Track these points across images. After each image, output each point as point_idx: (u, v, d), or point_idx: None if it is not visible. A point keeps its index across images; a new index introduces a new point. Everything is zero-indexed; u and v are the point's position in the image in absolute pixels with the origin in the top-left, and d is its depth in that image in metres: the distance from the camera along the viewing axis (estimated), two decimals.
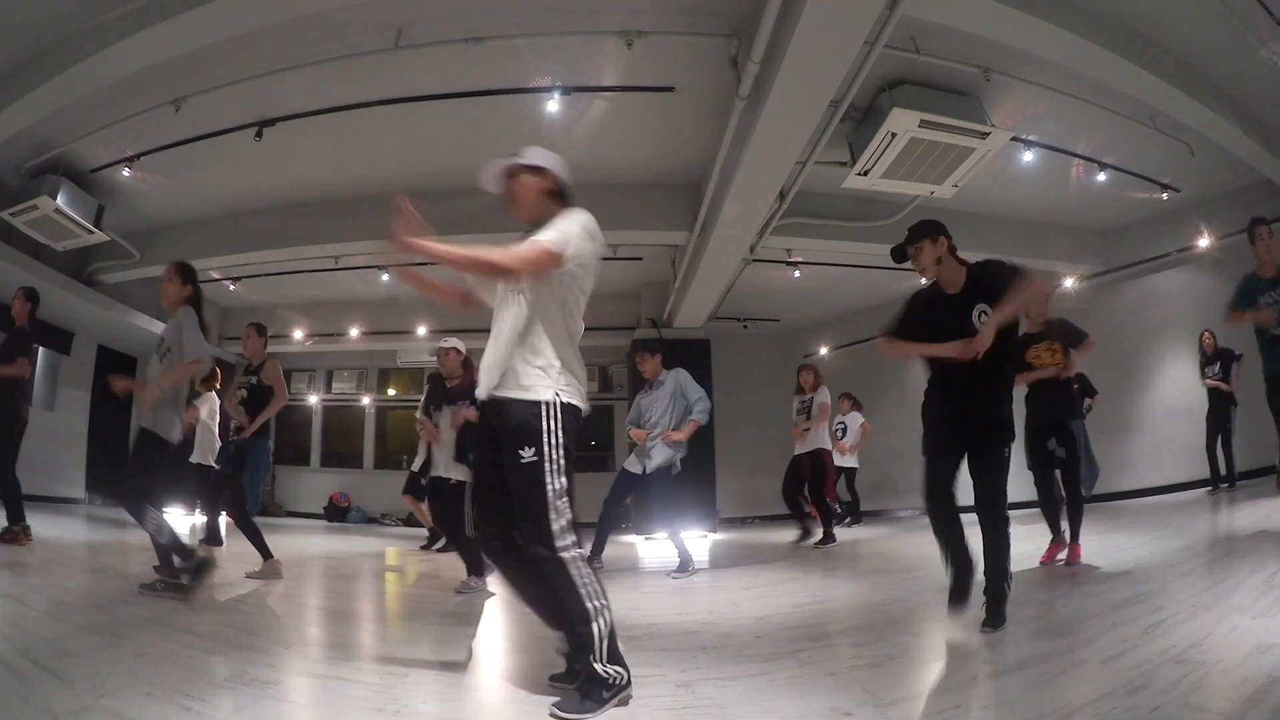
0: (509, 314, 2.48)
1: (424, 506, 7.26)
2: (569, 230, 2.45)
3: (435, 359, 5.33)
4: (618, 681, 2.33)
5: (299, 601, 4.40)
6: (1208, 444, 7.54)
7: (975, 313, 3.17)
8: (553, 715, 2.22)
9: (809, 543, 7.22)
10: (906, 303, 3.51)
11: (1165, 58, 5.73)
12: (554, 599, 2.42)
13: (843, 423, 9.26)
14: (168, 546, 3.89)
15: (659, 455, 5.56)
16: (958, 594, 3.20)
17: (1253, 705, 2.05)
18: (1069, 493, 4.87)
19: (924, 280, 3.44)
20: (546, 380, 2.44)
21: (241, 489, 5.20)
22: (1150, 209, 8.54)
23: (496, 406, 2.44)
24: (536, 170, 2.60)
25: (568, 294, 2.51)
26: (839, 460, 9.08)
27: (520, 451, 2.36)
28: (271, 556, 5.01)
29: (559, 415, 2.42)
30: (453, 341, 5.19)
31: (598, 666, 2.32)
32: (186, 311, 4.27)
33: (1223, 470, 7.46)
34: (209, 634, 3.27)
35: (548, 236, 2.42)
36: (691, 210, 7.47)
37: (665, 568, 5.72)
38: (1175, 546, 4.89)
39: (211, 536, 5.99)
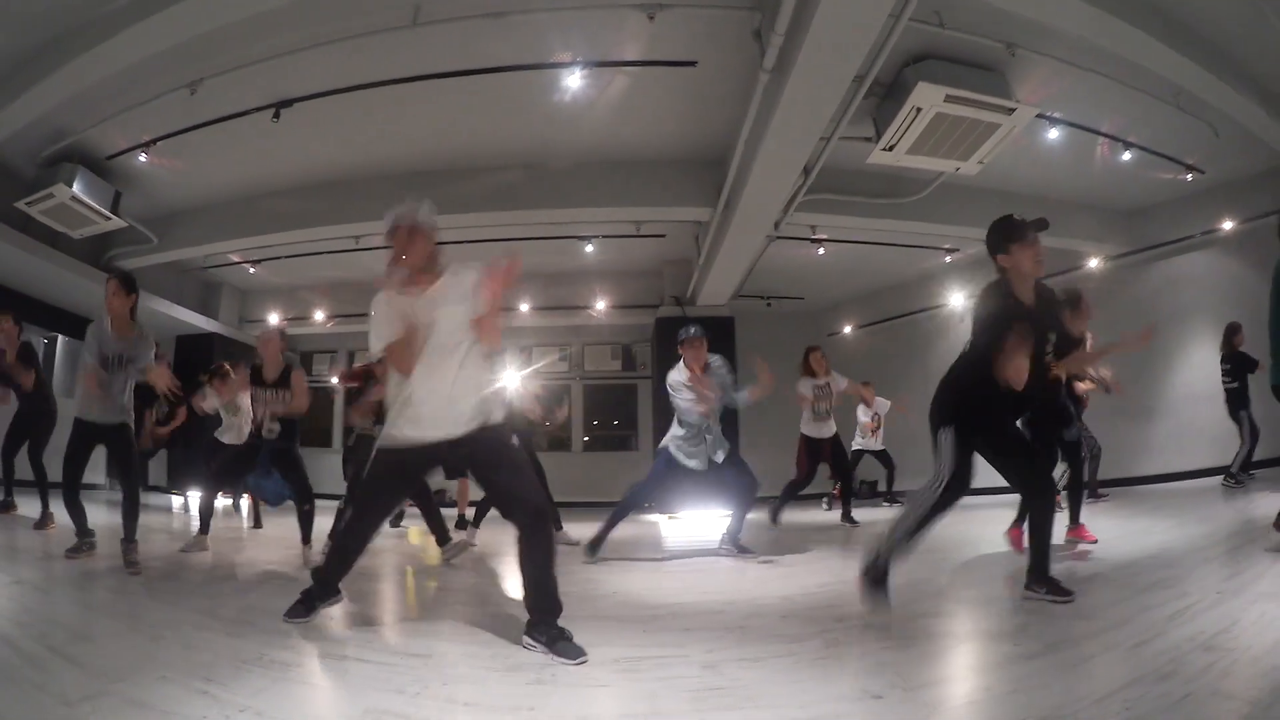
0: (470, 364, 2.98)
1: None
2: None
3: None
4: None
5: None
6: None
7: (1048, 342, 3.16)
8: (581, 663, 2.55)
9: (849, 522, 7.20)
10: (1000, 301, 3.14)
11: (1191, 36, 5.64)
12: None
13: (876, 413, 9.29)
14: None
15: (722, 446, 5.35)
16: (884, 578, 3.12)
17: None
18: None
19: (1024, 274, 3.11)
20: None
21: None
22: (1175, 190, 8.47)
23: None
24: (430, 227, 3.04)
25: None
26: (869, 445, 9.30)
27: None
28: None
29: None
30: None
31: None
32: (138, 327, 4.52)
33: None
34: (228, 616, 3.25)
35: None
36: (715, 186, 7.40)
37: (688, 547, 5.72)
38: (1199, 532, 4.84)
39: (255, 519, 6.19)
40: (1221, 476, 7.26)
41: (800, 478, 7.24)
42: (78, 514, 4.63)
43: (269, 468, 5.30)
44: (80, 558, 4.52)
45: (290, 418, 5.23)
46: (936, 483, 3.12)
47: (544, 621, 2.73)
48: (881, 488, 10.03)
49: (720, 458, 5.23)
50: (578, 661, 2.54)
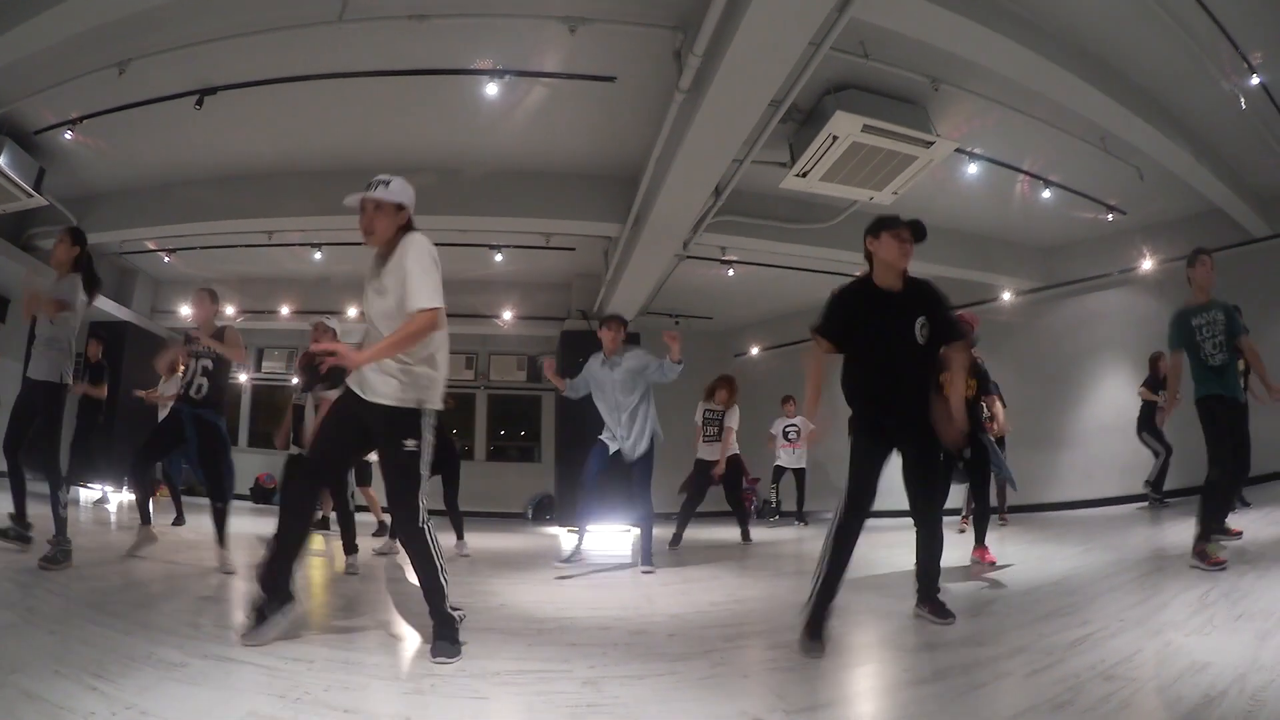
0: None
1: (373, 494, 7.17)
2: (437, 281, 2.88)
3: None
4: (460, 618, 2.91)
5: (219, 584, 4.25)
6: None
7: (918, 324, 3.19)
8: (440, 663, 2.67)
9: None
10: (837, 298, 3.29)
11: (1122, 81, 5.77)
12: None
13: (794, 424, 9.35)
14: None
15: (644, 441, 5.51)
16: (819, 627, 2.99)
17: None
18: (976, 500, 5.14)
19: (887, 261, 3.27)
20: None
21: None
22: (1094, 229, 8.67)
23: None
24: (398, 208, 2.91)
25: None
26: (790, 461, 9.31)
27: (404, 442, 2.86)
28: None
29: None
30: (333, 321, 5.15)
31: (447, 608, 2.86)
32: (72, 279, 4.59)
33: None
34: (124, 614, 3.20)
35: (431, 299, 2.85)
36: (626, 202, 7.41)
37: (585, 561, 5.71)
38: (1105, 560, 4.88)
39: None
40: (1144, 499, 7.61)
41: (690, 498, 7.34)
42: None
43: (191, 446, 4.91)
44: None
45: (223, 364, 4.90)
46: (837, 505, 3.10)
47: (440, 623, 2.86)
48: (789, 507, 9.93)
49: (636, 454, 5.45)
50: (446, 660, 2.71)
